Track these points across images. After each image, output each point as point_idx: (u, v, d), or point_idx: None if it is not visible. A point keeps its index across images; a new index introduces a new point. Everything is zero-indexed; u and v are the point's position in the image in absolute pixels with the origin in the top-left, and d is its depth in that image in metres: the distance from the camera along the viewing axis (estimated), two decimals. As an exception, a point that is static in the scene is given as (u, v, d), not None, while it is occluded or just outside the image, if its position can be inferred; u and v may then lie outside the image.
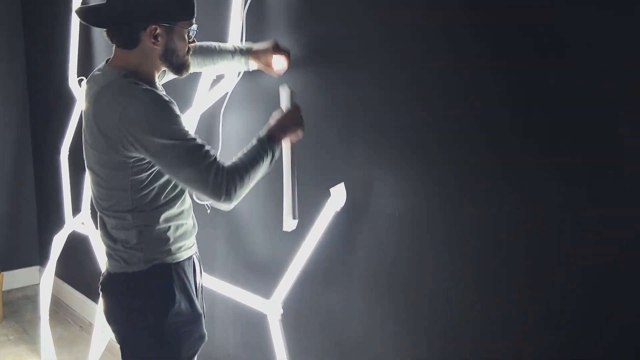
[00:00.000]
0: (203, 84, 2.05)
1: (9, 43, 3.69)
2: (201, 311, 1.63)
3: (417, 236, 1.51)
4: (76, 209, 2.96)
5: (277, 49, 1.77)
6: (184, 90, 2.18)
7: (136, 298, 1.55)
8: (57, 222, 3.36)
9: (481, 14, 1.31)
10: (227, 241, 2.20)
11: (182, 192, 1.57)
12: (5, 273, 3.62)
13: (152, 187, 1.50)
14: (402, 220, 1.54)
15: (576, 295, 1.20)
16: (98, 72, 1.53)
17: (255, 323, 2.02)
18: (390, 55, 1.51)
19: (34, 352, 3.01)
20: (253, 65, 1.83)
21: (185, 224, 1.61)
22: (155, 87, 1.51)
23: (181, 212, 1.58)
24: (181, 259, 1.59)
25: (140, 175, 1.47)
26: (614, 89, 1.11)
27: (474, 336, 1.40)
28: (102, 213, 1.57)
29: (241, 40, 1.93)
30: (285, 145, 1.66)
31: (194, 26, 1.52)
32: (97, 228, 1.66)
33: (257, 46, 1.80)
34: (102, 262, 1.63)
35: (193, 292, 1.62)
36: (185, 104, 2.16)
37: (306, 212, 1.76)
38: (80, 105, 2.83)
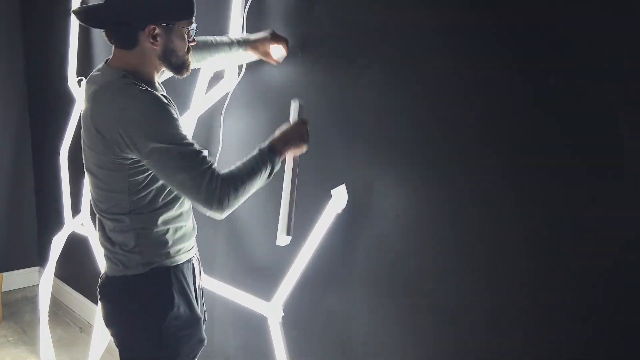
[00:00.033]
0: (201, 85, 2.05)
1: (9, 43, 3.69)
2: (200, 315, 1.61)
3: (418, 237, 1.50)
4: (76, 210, 2.96)
5: (275, 37, 1.76)
6: (183, 91, 2.18)
7: (134, 302, 1.54)
8: (56, 223, 3.35)
9: (481, 14, 1.31)
10: (227, 242, 2.19)
11: None
12: (4, 274, 3.62)
13: (149, 189, 1.49)
14: (403, 222, 1.54)
15: (576, 295, 1.20)
16: (97, 73, 1.52)
17: (255, 325, 2.01)
18: (392, 55, 1.51)
19: (33, 354, 3.00)
20: (252, 56, 1.81)
21: (185, 226, 1.59)
22: (154, 87, 1.50)
23: (180, 214, 1.57)
24: (180, 262, 1.58)
25: (138, 177, 1.46)
26: (614, 89, 1.11)
27: (476, 337, 1.40)
28: (100, 215, 1.56)
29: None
30: (288, 159, 1.63)
31: (194, 25, 1.50)
32: (96, 230, 1.65)
33: (254, 36, 1.79)
34: (102, 263, 1.62)
35: (192, 295, 1.60)
36: (184, 104, 2.16)
37: (307, 213, 1.76)
38: (79, 105, 2.83)
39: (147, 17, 1.43)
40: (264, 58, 1.81)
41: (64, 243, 2.89)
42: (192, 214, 1.64)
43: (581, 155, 1.17)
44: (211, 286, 2.10)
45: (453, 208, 1.41)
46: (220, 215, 1.44)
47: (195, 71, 1.95)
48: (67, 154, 3.01)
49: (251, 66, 1.92)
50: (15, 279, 3.81)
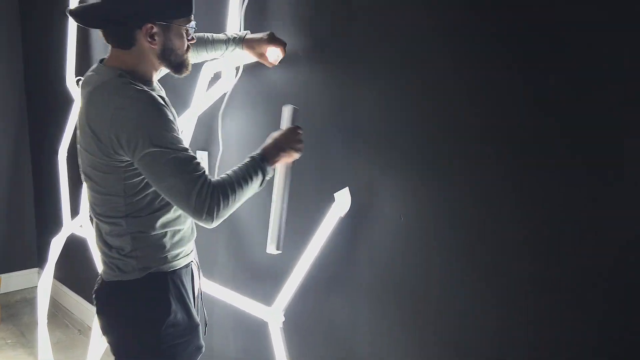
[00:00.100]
0: (202, 84, 2.04)
1: (8, 43, 3.69)
2: (198, 321, 1.58)
3: (424, 243, 1.49)
4: (74, 212, 2.95)
5: (272, 39, 1.74)
6: (183, 90, 2.18)
7: (131, 308, 1.50)
8: (55, 224, 3.35)
9: (481, 14, 1.31)
10: (227, 246, 2.18)
11: None
12: (3, 275, 3.62)
13: (146, 193, 1.45)
14: (407, 225, 1.52)
15: (576, 295, 1.20)
16: (92, 73, 1.48)
17: (256, 331, 2.00)
18: (392, 55, 1.51)
19: (31, 356, 2.99)
20: (247, 55, 1.79)
21: (183, 229, 1.56)
22: (152, 87, 1.48)
23: (178, 217, 1.53)
24: (178, 267, 1.54)
25: (134, 180, 1.43)
26: (614, 89, 1.11)
27: (483, 343, 1.39)
28: (97, 219, 1.52)
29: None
30: (280, 167, 1.59)
31: (192, 23, 1.48)
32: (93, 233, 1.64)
33: (252, 35, 1.78)
34: (100, 266, 1.60)
35: (190, 301, 1.57)
36: (183, 104, 2.16)
37: (309, 217, 1.75)
38: (78, 105, 2.82)
39: (143, 15, 1.40)
40: (259, 59, 1.78)
41: (62, 244, 2.89)
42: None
43: (581, 155, 1.17)
44: (211, 290, 2.09)
45: (457, 210, 1.40)
46: (210, 225, 1.40)
47: (195, 70, 1.94)
48: (66, 154, 3.01)
49: (249, 66, 1.92)
50: (14, 280, 3.80)
